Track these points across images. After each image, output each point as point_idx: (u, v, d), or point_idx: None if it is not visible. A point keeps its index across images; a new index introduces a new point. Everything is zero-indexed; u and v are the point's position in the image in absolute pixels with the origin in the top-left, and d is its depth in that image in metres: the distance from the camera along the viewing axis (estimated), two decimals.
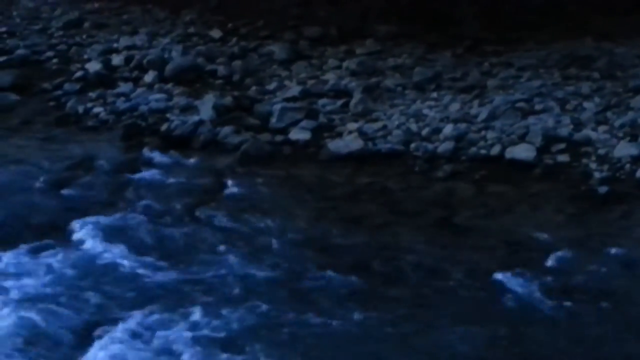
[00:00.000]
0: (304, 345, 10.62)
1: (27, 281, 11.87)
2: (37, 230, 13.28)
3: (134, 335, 10.78)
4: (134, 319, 11.06)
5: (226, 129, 16.41)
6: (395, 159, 15.42)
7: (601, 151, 15.02)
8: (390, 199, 14.26)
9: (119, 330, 10.86)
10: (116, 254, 12.54)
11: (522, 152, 15.12)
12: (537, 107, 16.45)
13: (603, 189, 14.06)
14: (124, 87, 18.75)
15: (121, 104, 17.87)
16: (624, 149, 14.92)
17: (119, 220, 13.51)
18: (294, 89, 17.99)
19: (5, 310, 11.19)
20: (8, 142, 16.71)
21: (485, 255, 12.45)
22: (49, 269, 12.16)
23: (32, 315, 11.08)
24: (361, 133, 16.07)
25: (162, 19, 22.69)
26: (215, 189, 14.76)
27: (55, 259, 12.40)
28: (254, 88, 18.32)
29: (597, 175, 14.44)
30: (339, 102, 17.31)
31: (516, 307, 11.34)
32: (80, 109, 17.89)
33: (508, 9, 19.75)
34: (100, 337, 10.80)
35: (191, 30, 21.82)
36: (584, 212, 13.60)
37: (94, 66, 19.80)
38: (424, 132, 15.98)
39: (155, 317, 11.09)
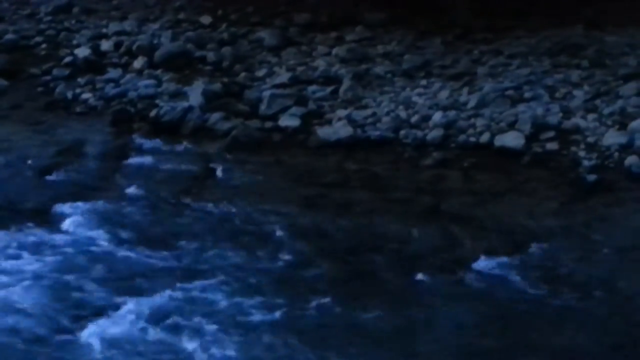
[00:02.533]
0: (287, 332, 10.62)
1: (13, 264, 11.86)
2: (25, 215, 13.27)
3: (116, 318, 10.79)
4: (116, 302, 11.07)
5: (215, 115, 16.38)
6: (384, 146, 15.42)
7: (590, 139, 15.04)
8: (379, 186, 14.26)
9: (103, 313, 10.89)
10: (103, 238, 12.54)
11: (511, 140, 15.12)
12: (527, 94, 16.45)
13: (591, 177, 14.08)
14: (113, 73, 18.70)
15: (110, 90, 17.83)
16: (612, 137, 14.94)
17: (107, 206, 13.49)
18: (284, 76, 17.97)
19: None
20: None
21: (474, 243, 12.46)
22: (35, 253, 12.15)
23: (16, 297, 11.07)
24: (350, 120, 16.05)
25: (152, 5, 22.61)
26: (204, 175, 14.75)
27: (42, 243, 12.38)
28: (243, 74, 18.29)
29: (585, 163, 14.45)
30: (329, 89, 17.28)
31: (503, 294, 11.35)
32: (69, 94, 17.84)
33: None
34: (84, 319, 10.82)
35: (181, 16, 21.75)
36: (572, 200, 13.62)
37: (83, 52, 19.74)
38: (413, 119, 15.97)
39: (141, 301, 11.09)
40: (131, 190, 14.06)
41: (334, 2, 20.65)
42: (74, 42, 20.49)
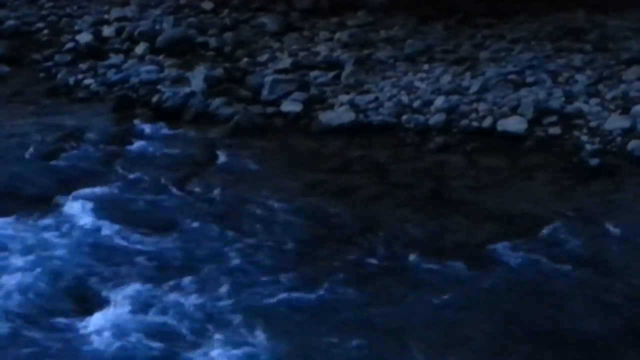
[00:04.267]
0: (288, 320, 10.63)
1: (15, 250, 11.87)
2: (27, 201, 13.27)
3: (119, 303, 10.80)
4: (120, 288, 11.09)
5: (217, 101, 16.38)
6: (386, 131, 15.42)
7: (592, 124, 15.03)
8: (381, 171, 14.26)
9: (106, 298, 10.91)
10: (105, 224, 12.54)
11: (514, 124, 15.12)
12: (529, 79, 16.44)
13: (594, 162, 14.08)
14: (114, 58, 18.70)
15: (112, 76, 17.83)
16: (615, 122, 14.94)
17: (109, 192, 13.50)
18: (286, 61, 17.96)
19: None
20: None
21: (476, 227, 12.47)
22: (38, 238, 12.15)
23: (19, 282, 11.10)
24: (353, 105, 16.04)
25: None
26: (206, 160, 14.75)
27: (44, 229, 12.38)
28: (245, 60, 18.28)
29: (588, 147, 14.45)
30: (331, 74, 17.28)
31: (505, 278, 11.37)
32: (71, 80, 17.83)
33: None
34: (85, 304, 10.84)
35: (182, 1, 21.72)
36: (574, 185, 13.63)
37: (84, 37, 19.75)
38: (416, 104, 15.97)
39: (142, 286, 11.10)
40: (133, 175, 14.06)
41: None
42: (76, 28, 20.48)
